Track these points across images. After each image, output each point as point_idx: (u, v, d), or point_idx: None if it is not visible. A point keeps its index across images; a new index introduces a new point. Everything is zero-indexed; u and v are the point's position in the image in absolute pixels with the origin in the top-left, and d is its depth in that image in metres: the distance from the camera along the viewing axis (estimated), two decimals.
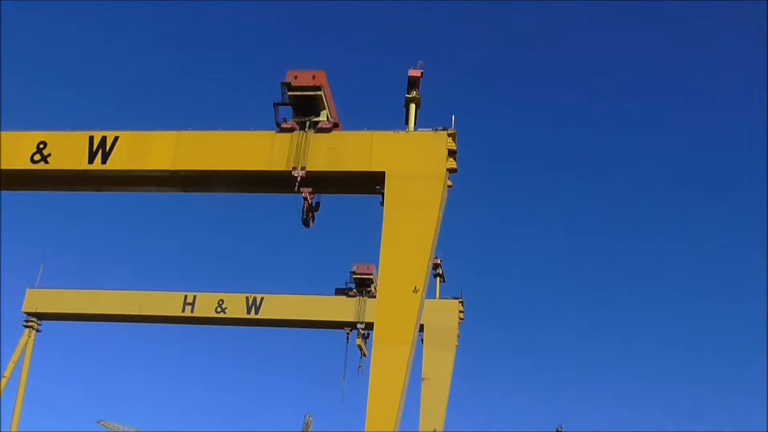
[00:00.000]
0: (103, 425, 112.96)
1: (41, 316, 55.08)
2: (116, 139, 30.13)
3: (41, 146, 30.50)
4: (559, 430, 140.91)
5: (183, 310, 51.16)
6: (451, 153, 28.06)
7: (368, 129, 29.23)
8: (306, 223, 29.63)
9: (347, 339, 50.93)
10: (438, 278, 53.57)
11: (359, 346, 50.35)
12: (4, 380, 53.69)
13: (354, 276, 50.97)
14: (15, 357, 54.39)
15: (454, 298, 52.54)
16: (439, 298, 52.59)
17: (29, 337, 54.95)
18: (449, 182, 28.25)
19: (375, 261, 49.51)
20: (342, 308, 50.80)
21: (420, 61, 29.71)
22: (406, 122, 29.23)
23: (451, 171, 28.14)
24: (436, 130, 28.35)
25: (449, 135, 28.10)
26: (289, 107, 29.13)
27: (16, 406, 54.62)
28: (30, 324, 54.87)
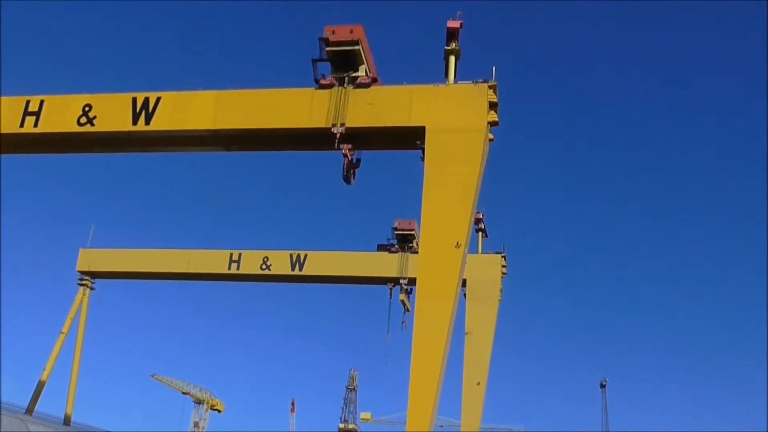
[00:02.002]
0: (157, 379, 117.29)
1: (94, 275, 56.87)
2: (158, 100, 30.47)
3: (87, 109, 31.04)
4: (603, 383, 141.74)
5: (229, 268, 52.10)
6: (492, 106, 27.61)
7: (407, 83, 28.92)
8: (347, 180, 29.66)
9: (390, 294, 51.29)
10: (480, 233, 53.34)
11: (402, 302, 50.67)
12: (61, 336, 55.85)
13: (396, 232, 51.03)
14: (71, 314, 56.45)
15: (497, 252, 52.29)
16: (482, 252, 52.45)
17: (84, 294, 56.88)
18: (491, 136, 27.88)
19: (417, 217, 49.72)
20: (385, 264, 51.05)
21: (459, 12, 29.16)
22: (446, 75, 28.81)
23: (492, 124, 27.73)
24: (477, 82, 27.86)
25: (490, 87, 27.61)
26: (328, 63, 28.95)
27: (74, 361, 56.93)
28: (84, 282, 56.75)
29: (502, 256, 51.96)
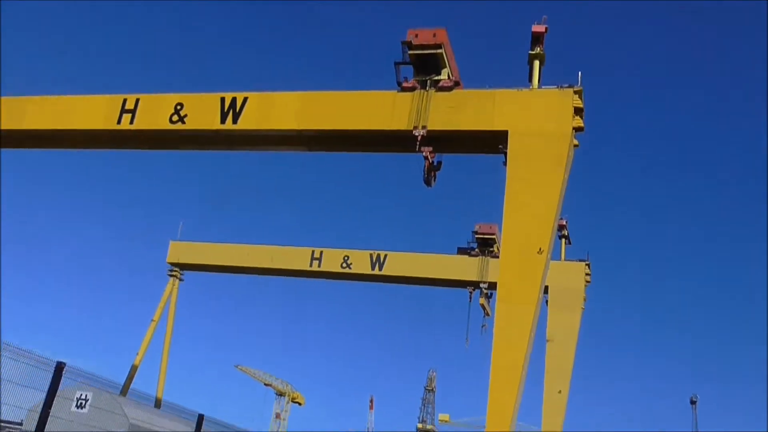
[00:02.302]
0: (241, 369, 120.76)
1: (183, 267, 59.16)
2: (245, 99, 31.28)
3: (178, 107, 32.23)
4: (694, 399, 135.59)
5: (311, 265, 53.00)
6: (578, 111, 26.86)
7: (490, 87, 28.49)
8: (427, 182, 29.54)
9: (470, 298, 50.82)
10: (563, 240, 52.07)
11: (482, 306, 50.09)
12: (153, 324, 58.42)
13: (476, 236, 50.46)
14: (162, 303, 58.93)
15: (580, 260, 50.90)
16: (565, 260, 51.17)
17: (173, 285, 59.28)
18: (576, 141, 27.12)
19: (498, 221, 49.01)
20: (464, 267, 50.59)
21: (544, 16, 28.45)
22: (530, 80, 28.19)
23: (577, 130, 26.97)
24: (562, 87, 27.14)
25: (575, 92, 26.85)
26: (410, 66, 28.89)
27: (164, 347, 59.46)
28: (173, 273, 59.14)
29: (585, 264, 50.53)
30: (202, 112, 31.89)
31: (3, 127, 35.23)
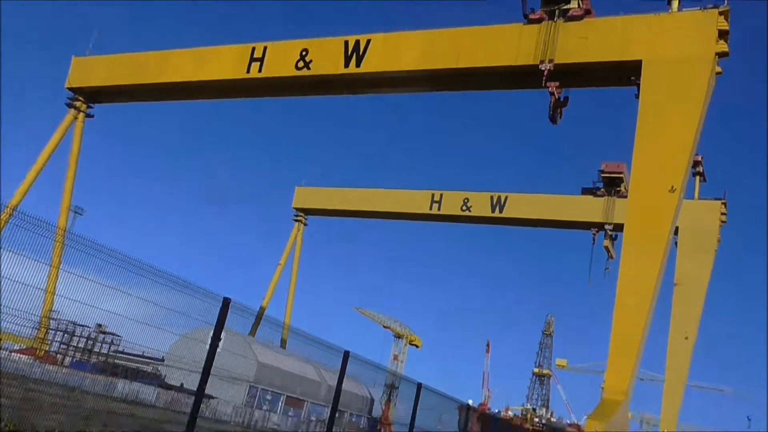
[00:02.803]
0: (361, 312, 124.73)
1: (307, 212, 61.31)
2: (368, 42, 31.48)
3: (303, 53, 32.95)
4: None
5: (431, 208, 53.35)
6: (722, 34, 25.04)
7: (624, 14, 27.09)
8: (553, 120, 28.76)
9: (593, 240, 49.51)
10: (698, 177, 49.34)
11: (606, 248, 48.73)
12: (279, 267, 61.27)
13: (602, 174, 48.84)
14: (288, 246, 61.58)
15: (716, 198, 48.16)
16: (698, 198, 48.61)
17: (298, 230, 61.69)
18: (718, 68, 25.40)
19: (625, 159, 47.14)
20: (589, 208, 49.24)
21: None
22: (669, 3, 26.51)
23: (720, 55, 25.20)
24: (706, 8, 25.30)
25: (720, 13, 25.02)
26: None
27: (290, 289, 62.36)
28: (299, 218, 61.48)
29: (722, 203, 47.77)
30: (327, 57, 32.45)
31: (141, 81, 37.48)
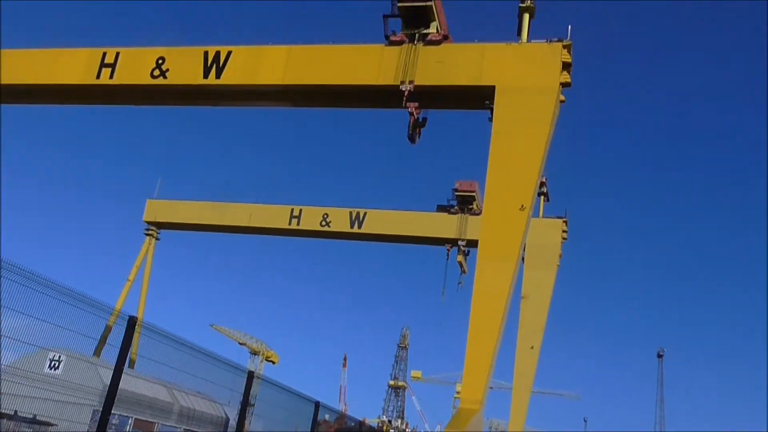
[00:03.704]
0: (216, 329, 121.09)
1: (159, 225, 58.62)
2: (229, 53, 30.82)
3: (160, 62, 31.63)
4: (660, 353, 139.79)
5: (290, 223, 52.88)
6: (566, 66, 27.03)
7: (479, 41, 28.46)
8: (412, 139, 29.54)
9: (447, 255, 51.35)
10: (542, 197, 52.70)
11: (460, 263, 50.72)
12: (128, 283, 57.99)
13: (456, 193, 50.83)
14: (138, 262, 58.47)
15: (558, 217, 51.70)
16: (543, 216, 51.91)
17: (149, 244, 58.77)
18: (562, 97, 27.36)
19: (477, 177, 49.43)
20: (443, 225, 51.03)
21: None
22: (519, 34, 28.24)
23: (564, 85, 27.17)
24: (551, 41, 27.25)
25: (564, 47, 26.98)
26: (399, 19, 28.71)
27: (140, 308, 59.21)
28: (150, 232, 58.59)
29: (563, 221, 51.38)
30: (185, 66, 31.36)
31: None
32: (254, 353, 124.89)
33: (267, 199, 61.11)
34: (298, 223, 52.83)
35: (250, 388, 17.66)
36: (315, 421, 23.11)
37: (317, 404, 23.78)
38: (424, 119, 29.59)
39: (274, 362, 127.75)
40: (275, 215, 53.72)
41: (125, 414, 51.64)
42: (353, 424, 37.22)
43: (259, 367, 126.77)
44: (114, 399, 9.87)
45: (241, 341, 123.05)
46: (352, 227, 51.80)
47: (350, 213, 52.03)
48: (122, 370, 10.43)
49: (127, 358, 13.26)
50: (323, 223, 52.21)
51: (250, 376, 10.67)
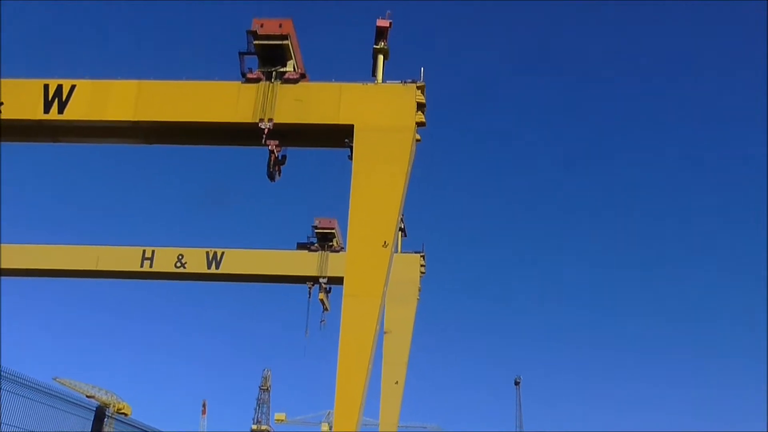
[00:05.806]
0: (60, 382, 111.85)
1: None
2: (73, 87, 29.05)
3: None
4: (517, 380, 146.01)
5: (141, 265, 50.09)
6: (420, 106, 27.93)
7: (336, 80, 28.84)
8: (271, 177, 29.22)
9: (309, 293, 50.81)
10: (400, 232, 53.68)
11: (322, 301, 50.32)
12: None
13: (316, 230, 50.57)
14: None
15: (416, 252, 52.86)
16: (401, 252, 52.83)
17: None
18: (418, 136, 28.17)
19: (336, 214, 49.61)
20: (304, 262, 50.54)
21: (388, 11, 29.31)
22: (374, 74, 28.92)
23: (419, 125, 28.05)
24: (405, 82, 28.11)
25: (418, 88, 27.93)
26: (255, 57, 28.48)
27: None
28: None
29: (421, 256, 52.57)
30: (23, 100, 29.17)
31: None
32: (104, 406, 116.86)
33: (116, 240, 57.89)
34: (150, 265, 50.16)
35: None
36: None
37: None
38: (284, 157, 29.42)
39: (126, 414, 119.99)
40: (126, 257, 50.70)
41: None
42: None
43: (108, 421, 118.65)
44: None
45: (88, 394, 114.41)
46: (209, 268, 49.95)
47: (207, 253, 50.20)
48: None
49: None
50: (178, 264, 49.95)
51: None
